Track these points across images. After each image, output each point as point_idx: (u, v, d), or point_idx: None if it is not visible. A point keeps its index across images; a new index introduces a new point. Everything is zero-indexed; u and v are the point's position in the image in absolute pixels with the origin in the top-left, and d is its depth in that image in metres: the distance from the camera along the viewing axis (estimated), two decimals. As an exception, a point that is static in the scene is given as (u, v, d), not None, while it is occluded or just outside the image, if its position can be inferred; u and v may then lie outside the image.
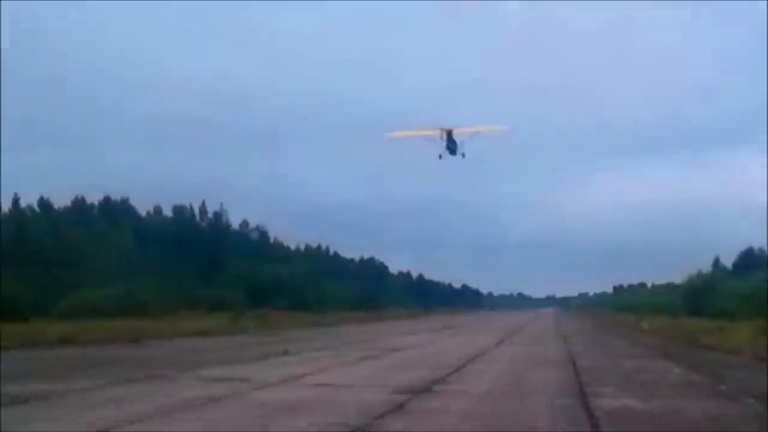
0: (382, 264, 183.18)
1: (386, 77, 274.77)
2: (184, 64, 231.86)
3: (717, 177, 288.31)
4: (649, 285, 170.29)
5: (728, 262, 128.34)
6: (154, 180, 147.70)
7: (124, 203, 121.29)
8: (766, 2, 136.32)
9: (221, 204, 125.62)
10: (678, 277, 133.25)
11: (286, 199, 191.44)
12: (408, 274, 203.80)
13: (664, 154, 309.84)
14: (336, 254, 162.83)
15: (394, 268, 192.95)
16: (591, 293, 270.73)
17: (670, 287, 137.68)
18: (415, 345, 41.45)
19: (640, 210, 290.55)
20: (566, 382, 22.50)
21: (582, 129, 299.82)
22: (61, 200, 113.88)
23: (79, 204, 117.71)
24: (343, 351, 35.12)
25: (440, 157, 38.29)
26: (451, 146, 38.23)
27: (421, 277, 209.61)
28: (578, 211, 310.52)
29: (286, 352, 32.69)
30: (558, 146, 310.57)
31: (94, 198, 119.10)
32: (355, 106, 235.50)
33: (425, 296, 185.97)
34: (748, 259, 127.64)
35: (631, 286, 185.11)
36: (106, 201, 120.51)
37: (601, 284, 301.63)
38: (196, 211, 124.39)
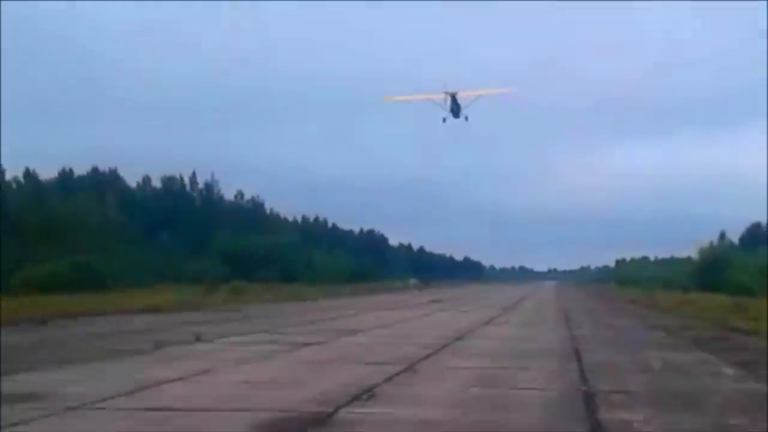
0: (382, 236, 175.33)
1: (388, 46, 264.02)
2: (177, 37, 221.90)
3: (720, 153, 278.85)
4: (651, 258, 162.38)
5: (734, 236, 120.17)
6: (144, 152, 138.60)
7: (113, 174, 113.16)
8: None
9: (212, 174, 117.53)
10: (682, 251, 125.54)
11: (284, 171, 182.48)
12: (408, 247, 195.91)
13: (667, 129, 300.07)
14: (334, 226, 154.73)
15: (394, 240, 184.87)
16: (593, 267, 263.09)
17: (674, 261, 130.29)
18: (385, 324, 32.68)
19: (643, 184, 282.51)
20: (568, 395, 13.66)
21: (587, 103, 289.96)
22: (48, 172, 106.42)
23: (66, 176, 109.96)
24: (282, 335, 26.34)
25: (444, 120, 36.56)
26: (455, 109, 36.39)
27: (422, 249, 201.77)
28: (580, 185, 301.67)
29: (198, 339, 23.84)
30: (562, 119, 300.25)
31: (82, 170, 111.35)
32: (355, 79, 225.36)
33: (426, 268, 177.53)
34: (756, 234, 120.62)
35: (633, 260, 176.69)
36: (94, 171, 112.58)
37: (603, 258, 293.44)
38: (187, 182, 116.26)
